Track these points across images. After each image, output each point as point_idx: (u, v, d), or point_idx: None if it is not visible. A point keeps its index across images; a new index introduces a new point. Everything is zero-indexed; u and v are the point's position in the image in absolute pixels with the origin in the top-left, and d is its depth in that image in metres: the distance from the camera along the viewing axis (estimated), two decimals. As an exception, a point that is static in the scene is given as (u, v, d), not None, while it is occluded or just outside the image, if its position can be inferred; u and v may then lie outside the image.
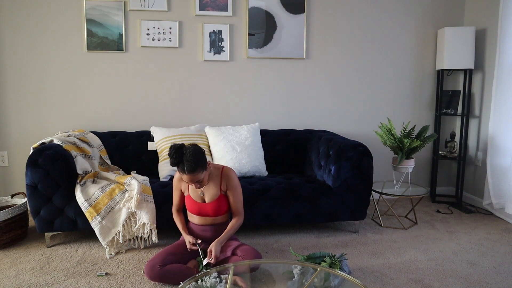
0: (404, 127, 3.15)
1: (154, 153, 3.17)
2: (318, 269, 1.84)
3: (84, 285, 2.12)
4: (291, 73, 3.60)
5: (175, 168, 2.95)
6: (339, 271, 1.88)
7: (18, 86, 3.30)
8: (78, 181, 2.57)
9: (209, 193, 2.23)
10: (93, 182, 2.63)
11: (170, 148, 2.07)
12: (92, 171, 2.72)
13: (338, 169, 2.75)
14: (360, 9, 3.62)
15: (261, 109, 3.61)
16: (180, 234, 2.38)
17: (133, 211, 2.49)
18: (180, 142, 2.15)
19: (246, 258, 2.11)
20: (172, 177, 2.99)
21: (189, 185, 2.25)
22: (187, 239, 2.20)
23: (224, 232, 2.21)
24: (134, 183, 2.55)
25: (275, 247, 2.65)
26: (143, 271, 2.16)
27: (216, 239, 2.16)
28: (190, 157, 2.04)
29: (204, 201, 2.24)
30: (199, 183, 2.12)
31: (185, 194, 2.29)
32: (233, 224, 2.25)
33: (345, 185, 2.75)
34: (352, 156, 2.74)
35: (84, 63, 3.35)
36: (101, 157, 3.02)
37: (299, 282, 1.99)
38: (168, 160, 2.99)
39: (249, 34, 3.48)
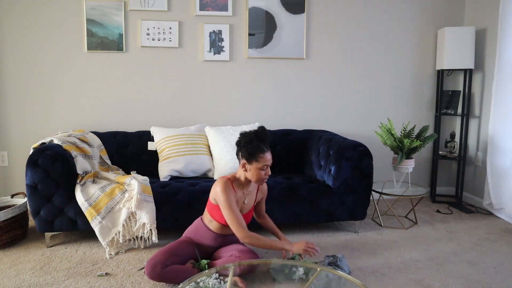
0: (404, 127, 3.15)
1: (154, 153, 3.17)
2: (318, 269, 1.84)
3: (84, 285, 2.12)
4: (291, 73, 3.60)
5: (177, 168, 2.95)
6: (339, 271, 1.88)
7: (18, 86, 3.30)
8: (78, 181, 2.57)
9: (248, 204, 2.22)
10: (93, 182, 2.63)
11: (243, 136, 2.10)
12: (92, 171, 2.72)
13: (338, 169, 2.75)
14: (360, 9, 3.62)
15: (261, 109, 3.61)
16: (181, 234, 2.36)
17: (133, 211, 2.48)
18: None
19: (243, 259, 2.09)
20: (172, 177, 2.98)
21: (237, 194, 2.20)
22: (287, 248, 2.12)
23: (278, 231, 2.38)
24: (134, 183, 2.55)
25: (275, 247, 2.65)
26: (144, 271, 2.15)
27: (282, 238, 2.31)
28: (266, 132, 2.15)
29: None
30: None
31: None
32: (272, 223, 2.41)
33: (345, 185, 2.75)
34: (352, 156, 2.74)
35: (84, 63, 3.35)
36: (101, 157, 3.02)
37: (299, 282, 1.99)
38: (169, 160, 2.98)
39: (249, 34, 3.48)
